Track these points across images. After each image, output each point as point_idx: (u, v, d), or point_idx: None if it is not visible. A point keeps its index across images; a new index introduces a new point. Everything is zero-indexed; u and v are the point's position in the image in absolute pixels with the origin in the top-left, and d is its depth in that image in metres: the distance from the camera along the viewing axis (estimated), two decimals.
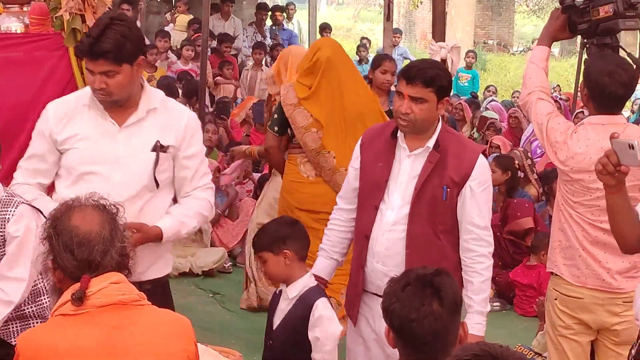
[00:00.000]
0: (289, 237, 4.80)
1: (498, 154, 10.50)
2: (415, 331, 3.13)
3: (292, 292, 4.76)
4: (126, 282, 3.24)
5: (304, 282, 4.77)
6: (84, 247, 3.20)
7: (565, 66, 29.19)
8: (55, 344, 3.12)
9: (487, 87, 18.84)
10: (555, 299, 5.20)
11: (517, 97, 17.41)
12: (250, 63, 15.38)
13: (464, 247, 4.69)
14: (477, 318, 4.63)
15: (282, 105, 6.91)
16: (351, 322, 4.91)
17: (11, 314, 4.32)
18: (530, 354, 6.72)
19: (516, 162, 9.95)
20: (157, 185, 4.56)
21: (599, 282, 5.06)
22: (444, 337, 3.17)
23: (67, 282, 3.23)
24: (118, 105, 4.47)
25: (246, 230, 9.98)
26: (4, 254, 4.26)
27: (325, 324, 4.67)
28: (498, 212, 9.43)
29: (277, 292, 4.90)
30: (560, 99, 15.81)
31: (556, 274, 5.21)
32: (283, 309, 4.75)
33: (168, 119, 4.61)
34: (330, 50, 7.05)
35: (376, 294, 4.68)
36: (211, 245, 9.71)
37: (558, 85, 19.86)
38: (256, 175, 10.76)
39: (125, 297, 3.20)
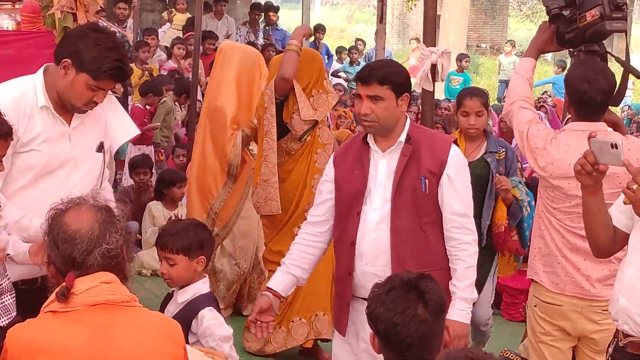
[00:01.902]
0: (206, 242, 4.83)
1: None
2: (400, 335, 3.15)
3: (183, 296, 4.77)
4: (117, 283, 3.25)
5: (196, 288, 4.77)
6: (67, 244, 3.22)
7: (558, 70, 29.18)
8: (43, 340, 3.13)
9: None
10: (535, 306, 5.24)
11: None
12: None
13: (448, 237, 4.71)
14: (460, 304, 4.62)
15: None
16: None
17: None
18: (517, 358, 6.73)
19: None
20: (101, 185, 4.76)
21: (578, 289, 5.08)
22: (428, 340, 3.19)
23: (59, 277, 3.25)
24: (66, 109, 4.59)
25: None
26: None
27: (216, 331, 4.69)
28: None
29: (171, 292, 4.90)
30: (548, 104, 15.83)
31: (536, 281, 5.24)
32: (171, 311, 4.73)
33: (96, 116, 4.77)
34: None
35: (365, 299, 4.68)
36: None
37: (546, 92, 19.90)
38: None
39: (114, 297, 3.21)
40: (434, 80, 5.99)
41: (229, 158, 7.37)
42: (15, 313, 4.40)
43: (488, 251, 6.40)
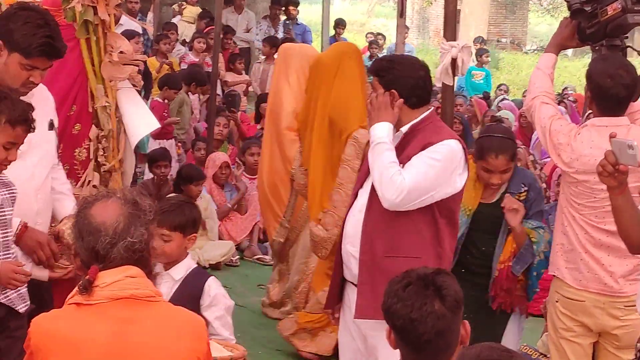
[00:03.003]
0: (198, 221, 4.98)
1: None
2: (417, 330, 3.13)
3: (178, 273, 4.86)
4: (143, 277, 3.24)
5: (187, 264, 4.91)
6: (91, 236, 3.21)
7: (579, 66, 29.08)
8: (65, 332, 3.14)
9: (499, 85, 18.83)
10: (557, 302, 5.21)
11: None
12: (262, 57, 15.39)
13: None
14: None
15: None
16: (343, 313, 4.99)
17: None
18: (536, 354, 6.72)
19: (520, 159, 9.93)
20: (59, 162, 4.87)
21: (601, 285, 5.06)
22: (446, 336, 3.17)
23: (84, 270, 3.25)
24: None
25: (255, 224, 10.03)
26: None
27: (222, 301, 4.86)
28: None
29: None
30: (569, 100, 15.77)
31: (558, 277, 5.22)
32: (167, 292, 4.73)
33: (42, 95, 4.80)
34: (326, 53, 7.29)
35: (352, 282, 4.87)
36: (219, 239, 9.73)
37: (567, 88, 19.84)
38: None
39: (139, 291, 3.20)
40: (454, 75, 5.98)
41: (291, 171, 7.37)
42: (29, 302, 4.45)
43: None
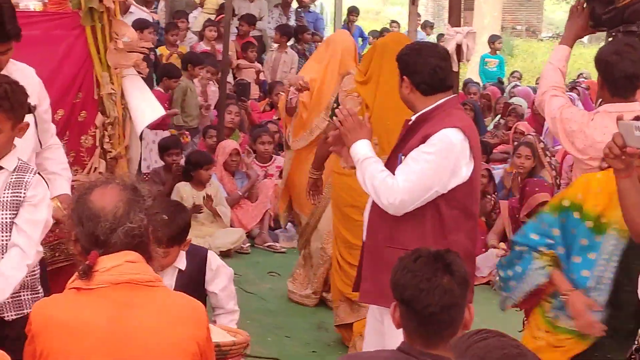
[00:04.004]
0: (189, 224, 5.01)
1: (525, 140, 10.45)
2: (424, 302, 3.13)
3: (180, 263, 4.95)
4: (142, 262, 3.25)
5: (183, 253, 4.98)
6: (91, 221, 3.21)
7: (594, 52, 28.91)
8: (65, 316, 3.15)
9: (512, 72, 18.80)
10: None
11: None
12: (275, 45, 15.38)
13: None
14: None
15: (339, 93, 6.95)
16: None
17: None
18: None
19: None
20: (41, 145, 4.79)
21: None
22: (451, 312, 3.16)
23: (84, 256, 3.26)
24: None
25: (266, 212, 10.05)
26: (13, 216, 4.27)
27: (223, 272, 5.04)
28: (515, 196, 9.45)
29: None
30: (582, 87, 15.71)
31: None
32: (169, 283, 4.76)
33: (24, 78, 4.67)
34: (390, 38, 7.11)
35: None
36: (230, 226, 9.74)
37: (582, 74, 19.76)
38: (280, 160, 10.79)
39: (138, 276, 3.21)
40: (459, 61, 5.98)
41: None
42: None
43: None
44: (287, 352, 6.91)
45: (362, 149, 4.70)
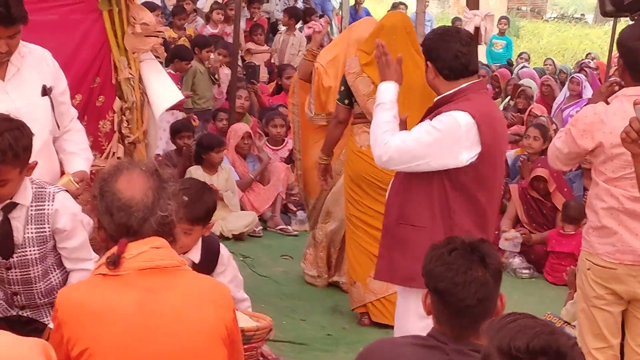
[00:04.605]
0: (215, 207, 4.87)
1: (539, 122, 10.44)
2: (459, 295, 3.14)
3: (195, 256, 4.82)
4: (167, 248, 3.25)
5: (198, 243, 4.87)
6: (122, 212, 3.21)
7: (599, 33, 28.90)
8: (92, 302, 3.14)
9: (520, 54, 18.74)
10: (589, 269, 5.14)
11: (549, 65, 17.33)
12: (283, 28, 15.34)
13: None
14: None
15: (345, 76, 6.93)
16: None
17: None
18: (560, 322, 6.72)
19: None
20: (59, 126, 4.78)
21: (635, 257, 4.95)
22: (486, 304, 3.17)
23: (110, 242, 3.26)
24: None
25: (278, 195, 10.04)
26: (41, 251, 4.25)
27: (231, 263, 4.99)
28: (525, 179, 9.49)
29: None
30: (590, 67, 15.68)
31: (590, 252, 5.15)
32: None
33: (37, 61, 4.72)
34: (397, 18, 7.13)
35: None
36: (242, 209, 9.74)
37: (589, 53, 19.72)
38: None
39: (164, 262, 3.21)
40: (477, 44, 5.95)
41: None
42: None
43: None
44: (303, 335, 6.92)
45: (384, 92, 4.88)
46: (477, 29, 5.90)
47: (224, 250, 4.96)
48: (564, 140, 5.14)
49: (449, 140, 4.64)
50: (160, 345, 3.13)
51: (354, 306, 7.25)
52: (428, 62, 4.81)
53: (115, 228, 3.23)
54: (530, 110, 11.88)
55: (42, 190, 4.24)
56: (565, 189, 9.19)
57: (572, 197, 9.13)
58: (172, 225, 3.31)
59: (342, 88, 6.93)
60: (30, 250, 4.23)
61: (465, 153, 4.66)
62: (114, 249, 3.19)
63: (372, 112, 4.91)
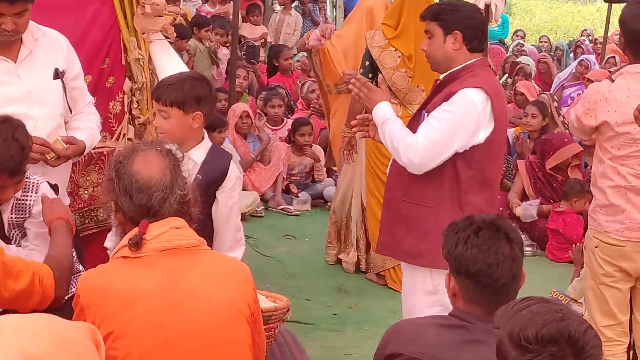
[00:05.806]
0: (205, 98, 4.50)
1: (534, 100, 10.44)
2: (494, 275, 3.14)
3: (198, 156, 4.53)
4: (187, 228, 3.26)
5: (206, 144, 4.58)
6: (142, 193, 3.22)
7: (592, 10, 28.93)
8: (115, 285, 3.14)
9: (515, 31, 18.77)
10: (596, 247, 5.17)
11: (544, 42, 17.34)
12: (279, 7, 15.29)
13: None
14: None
15: (369, 50, 6.92)
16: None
17: None
18: (566, 299, 6.74)
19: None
20: (71, 110, 4.77)
21: None
22: (518, 279, 3.20)
23: (128, 225, 3.26)
24: (6, 44, 4.54)
25: (279, 174, 10.04)
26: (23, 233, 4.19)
27: (239, 186, 4.61)
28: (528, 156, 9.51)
29: None
30: (585, 44, 15.69)
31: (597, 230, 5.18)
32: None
33: (50, 44, 4.70)
34: None
35: None
36: (243, 189, 9.72)
37: (585, 30, 19.72)
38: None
39: (184, 242, 3.22)
40: (487, 21, 5.95)
41: None
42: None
43: None
44: (309, 315, 6.94)
45: (381, 111, 4.77)
46: (487, 6, 5.89)
47: (233, 166, 4.59)
48: (573, 117, 5.19)
49: (469, 121, 4.59)
50: (186, 324, 3.14)
51: (376, 271, 7.54)
52: (456, 32, 4.67)
53: (136, 209, 3.24)
54: (515, 89, 11.86)
55: (27, 180, 4.16)
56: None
57: (584, 174, 9.16)
58: (190, 203, 3.33)
59: (367, 62, 6.95)
60: (12, 232, 4.18)
61: (483, 131, 4.64)
62: (135, 230, 3.20)
63: (380, 134, 4.80)
